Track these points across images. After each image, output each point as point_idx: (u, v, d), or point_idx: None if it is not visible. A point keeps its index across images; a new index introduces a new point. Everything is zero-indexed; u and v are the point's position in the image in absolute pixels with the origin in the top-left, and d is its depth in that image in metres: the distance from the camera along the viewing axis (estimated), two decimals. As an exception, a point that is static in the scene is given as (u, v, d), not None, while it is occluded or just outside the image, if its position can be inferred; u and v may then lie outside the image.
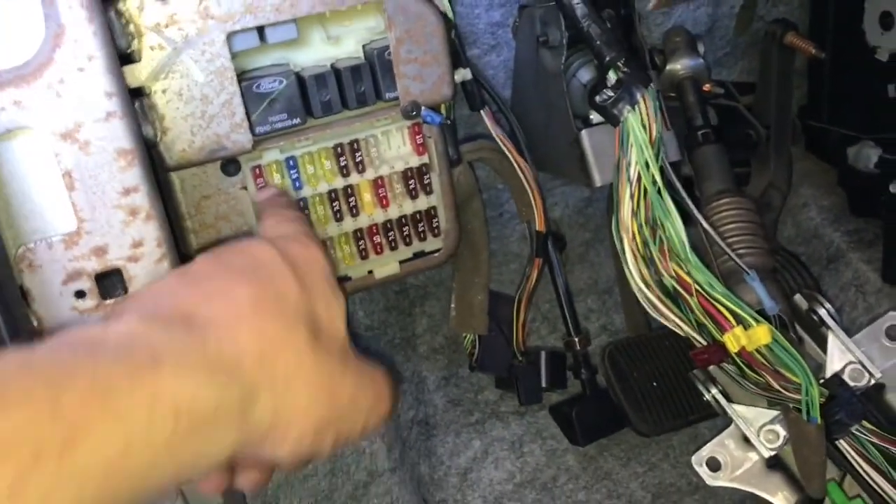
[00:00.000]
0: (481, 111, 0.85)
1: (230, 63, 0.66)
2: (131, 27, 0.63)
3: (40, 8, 0.52)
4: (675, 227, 0.73)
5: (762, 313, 0.76)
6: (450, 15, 0.77)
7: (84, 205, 0.55)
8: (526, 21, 0.97)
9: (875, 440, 0.76)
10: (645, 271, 0.74)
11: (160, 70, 0.64)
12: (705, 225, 0.79)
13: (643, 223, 0.74)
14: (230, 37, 0.66)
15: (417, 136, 0.77)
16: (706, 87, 1.04)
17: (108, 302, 0.58)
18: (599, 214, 1.21)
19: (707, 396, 0.86)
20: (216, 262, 0.56)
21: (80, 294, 0.57)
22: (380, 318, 1.08)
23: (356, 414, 0.57)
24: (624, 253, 0.74)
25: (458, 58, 0.81)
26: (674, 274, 0.73)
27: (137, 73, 0.63)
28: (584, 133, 0.92)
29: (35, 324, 0.55)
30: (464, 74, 0.81)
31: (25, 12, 0.52)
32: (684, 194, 0.75)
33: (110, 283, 0.58)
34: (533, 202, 0.88)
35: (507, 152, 0.86)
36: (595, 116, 0.92)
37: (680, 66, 0.98)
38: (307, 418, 0.52)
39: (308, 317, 0.54)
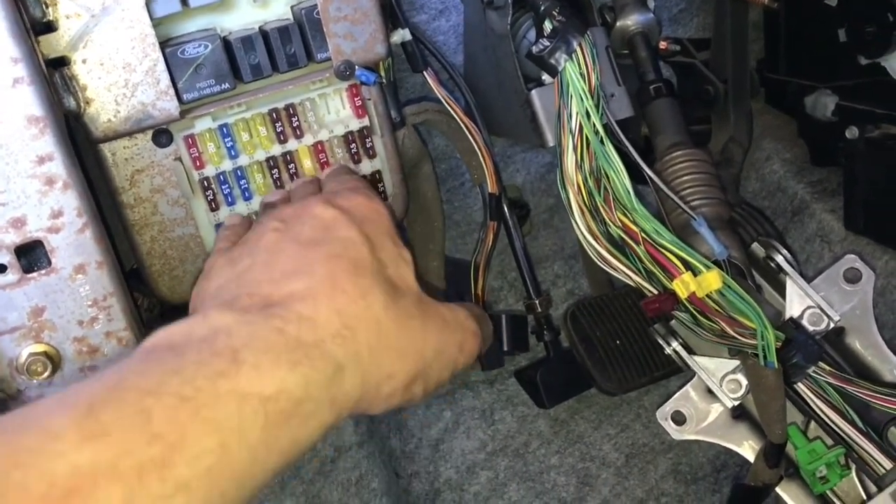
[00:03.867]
0: (424, 72, 0.83)
1: (151, 29, 0.65)
2: (46, -5, 0.61)
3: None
4: (619, 175, 0.72)
5: (715, 263, 0.76)
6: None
7: (-3, 176, 0.54)
8: (472, -16, 0.96)
9: (833, 381, 0.75)
10: (592, 223, 0.73)
11: (78, 39, 0.62)
12: (651, 175, 0.78)
13: (588, 174, 0.72)
14: (150, 2, 0.64)
15: (356, 99, 0.76)
16: (662, 45, 1.03)
17: (32, 275, 0.56)
18: (562, 180, 1.20)
19: (668, 350, 0.85)
20: (284, 234, 0.56)
21: (1, 268, 0.55)
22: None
23: (444, 360, 0.57)
24: (570, 205, 0.73)
25: (395, 18, 0.79)
26: (620, 223, 0.72)
27: (55, 43, 0.62)
28: (534, 93, 0.91)
29: (-46, 300, 0.54)
30: (402, 35, 0.79)
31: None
32: (627, 143, 0.74)
33: (33, 256, 0.56)
34: (483, 163, 0.87)
35: (453, 113, 0.84)
36: (546, 77, 0.91)
37: (630, 21, 0.96)
38: (395, 380, 0.53)
39: (381, 277, 0.55)
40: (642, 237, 0.71)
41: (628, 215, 0.72)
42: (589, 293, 1.19)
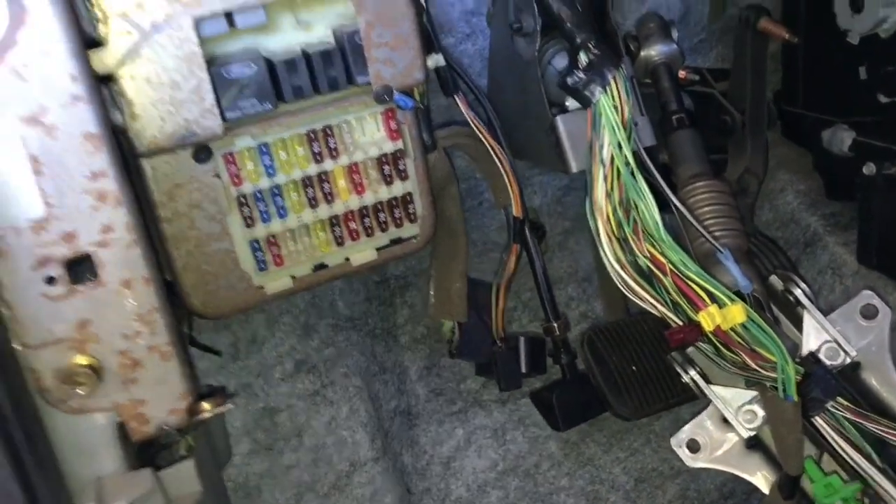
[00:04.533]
0: (455, 96, 0.85)
1: (199, 48, 0.66)
2: (97, 12, 0.62)
3: (1, -10, 0.52)
4: (649, 207, 0.73)
5: (737, 294, 0.77)
6: (423, 4, 0.77)
7: (52, 190, 0.55)
8: (500, 8, 0.97)
9: (851, 416, 0.76)
10: (619, 252, 0.74)
11: (128, 56, 0.64)
12: (679, 205, 0.79)
13: (617, 205, 0.74)
14: (198, 22, 0.65)
15: (391, 122, 0.77)
16: (682, 74, 1.05)
17: (80, 288, 0.57)
18: (578, 203, 1.21)
19: (686, 378, 0.86)
20: None
21: (50, 280, 0.56)
22: (361, 308, 1.08)
23: None
24: (598, 234, 0.74)
25: (430, 43, 0.80)
26: (648, 254, 0.73)
27: (105, 59, 0.63)
28: (559, 119, 0.92)
29: (5, 312, 0.55)
30: (437, 60, 0.81)
31: (-13, -6, 0.52)
32: (657, 174, 0.75)
33: (81, 268, 0.57)
34: (509, 187, 0.88)
35: (482, 137, 0.86)
36: (571, 103, 0.93)
37: (654, 52, 0.98)
38: None
39: None
40: (669, 268, 0.73)
41: (656, 246, 0.73)
42: (602, 316, 1.21)
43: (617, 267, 0.74)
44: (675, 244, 0.74)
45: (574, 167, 0.93)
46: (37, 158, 0.54)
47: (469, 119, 0.85)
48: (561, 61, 0.95)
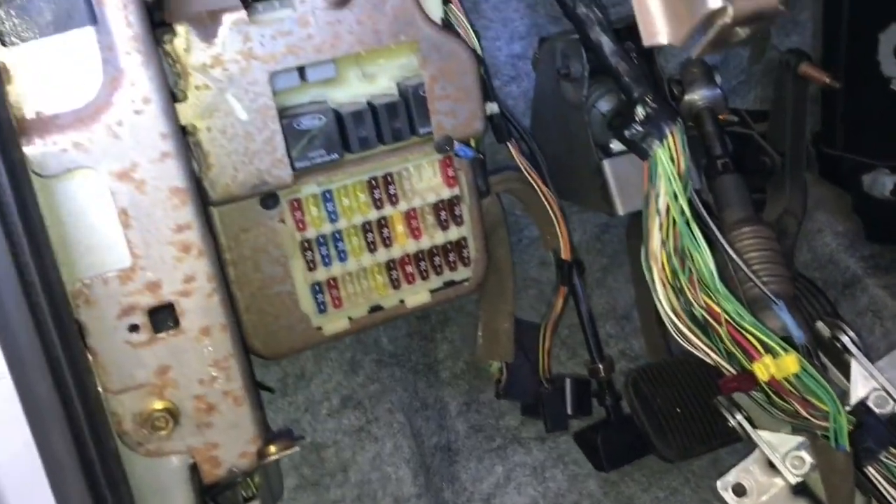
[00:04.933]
0: (507, 143, 0.87)
1: (272, 101, 0.68)
2: (178, 67, 0.65)
3: (99, 52, 0.54)
4: (704, 257, 0.74)
5: (788, 341, 0.78)
6: (478, 51, 0.80)
7: (139, 241, 0.57)
8: (546, 53, 1.00)
9: (902, 466, 0.77)
10: (675, 301, 0.75)
11: (206, 109, 0.66)
12: (734, 255, 0.81)
13: (672, 253, 0.75)
14: (272, 76, 0.68)
15: (448, 169, 0.79)
16: (721, 115, 1.06)
17: (161, 335, 0.59)
18: (617, 240, 1.22)
19: (732, 422, 0.87)
20: None
21: (133, 328, 0.58)
22: (403, 343, 1.09)
23: None
24: (654, 283, 0.76)
25: (486, 91, 0.83)
26: (703, 304, 0.74)
27: (184, 112, 0.65)
28: (606, 163, 0.94)
29: (90, 358, 0.57)
30: (491, 108, 0.83)
31: (84, 56, 0.54)
32: (713, 225, 0.76)
33: (162, 316, 0.59)
34: (559, 231, 0.90)
35: (533, 183, 0.87)
36: (616, 145, 0.94)
37: (698, 96, 1.00)
38: None
39: None
40: (724, 319, 0.74)
41: (712, 296, 0.74)
42: (641, 354, 1.21)
43: (672, 315, 0.75)
44: (729, 294, 0.75)
45: (621, 210, 0.95)
46: (126, 211, 0.56)
47: (521, 165, 0.87)
48: (605, 104, 0.97)
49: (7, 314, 0.50)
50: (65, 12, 0.53)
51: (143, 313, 0.58)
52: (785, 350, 0.74)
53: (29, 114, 0.54)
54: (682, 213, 0.75)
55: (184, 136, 0.59)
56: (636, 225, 1.02)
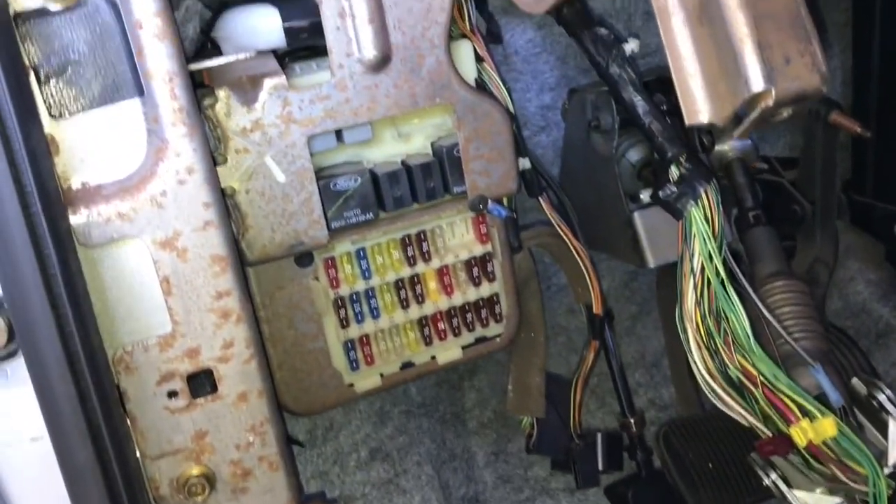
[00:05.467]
0: (539, 198, 0.87)
1: (310, 164, 0.69)
2: (218, 131, 0.66)
3: (144, 124, 0.55)
4: (740, 318, 0.74)
5: (824, 401, 0.77)
6: (511, 109, 0.80)
7: (179, 309, 0.57)
8: (576, 105, 1.00)
9: (943, 531, 0.75)
10: (709, 361, 0.75)
11: (245, 172, 0.67)
12: (765, 312, 0.80)
13: (707, 313, 0.75)
14: (310, 139, 0.69)
15: (481, 226, 0.80)
16: (752, 164, 1.06)
17: (199, 401, 0.59)
18: (646, 287, 1.22)
19: (767, 482, 0.85)
20: None
21: (172, 394, 0.59)
22: (431, 393, 1.09)
23: None
24: (688, 343, 0.75)
25: (518, 147, 0.83)
26: (739, 365, 0.74)
27: (223, 175, 0.66)
28: (636, 215, 0.94)
29: (129, 423, 0.57)
30: (524, 163, 0.83)
31: (130, 127, 0.55)
32: (748, 287, 0.76)
33: (201, 382, 0.60)
34: (590, 285, 0.90)
35: (565, 238, 0.87)
36: (645, 196, 0.94)
37: (728, 147, 1.00)
38: None
39: None
40: (761, 381, 0.73)
41: (747, 358, 0.73)
42: (670, 403, 1.20)
43: (707, 376, 0.74)
44: (765, 356, 0.74)
45: (652, 263, 0.95)
46: (168, 279, 0.57)
47: (552, 220, 0.87)
48: (635, 154, 0.98)
49: (51, 383, 0.50)
50: (112, 85, 0.54)
51: (182, 379, 0.59)
52: (822, 413, 0.73)
53: (75, 184, 0.55)
54: (717, 273, 0.74)
55: (225, 202, 0.60)
56: (667, 275, 1.01)
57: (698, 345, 0.75)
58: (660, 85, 0.95)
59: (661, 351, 1.20)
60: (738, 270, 0.76)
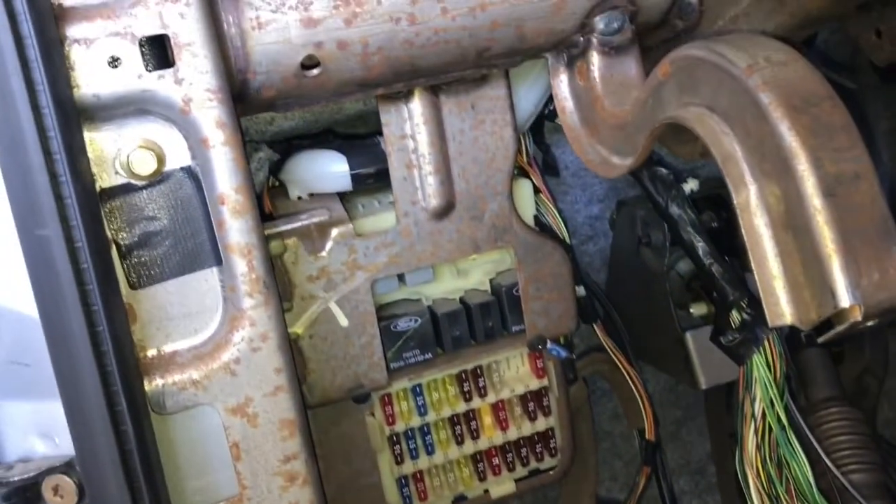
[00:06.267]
0: (594, 324, 0.87)
1: (373, 307, 0.69)
2: (285, 279, 0.66)
3: (220, 292, 0.56)
4: (802, 467, 0.73)
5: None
6: (568, 240, 0.80)
7: (247, 473, 0.57)
8: (625, 217, 1.00)
9: None
10: (771, 510, 0.73)
11: (309, 318, 0.67)
12: (821, 452, 0.78)
13: (767, 458, 0.73)
14: (374, 283, 0.69)
15: (538, 361, 0.79)
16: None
17: (262, 563, 0.59)
18: (690, 393, 1.20)
19: None
20: None
21: (239, 556, 0.58)
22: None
23: None
24: (748, 489, 0.74)
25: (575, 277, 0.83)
26: (802, 516, 0.72)
27: (288, 322, 0.66)
28: (688, 335, 0.93)
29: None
30: (579, 291, 0.83)
31: (206, 295, 0.56)
32: (811, 436, 0.75)
33: (264, 544, 0.59)
34: (643, 411, 0.89)
35: (619, 364, 0.87)
36: (696, 309, 0.94)
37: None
38: None
39: None
40: (825, 534, 0.71)
41: (811, 509, 0.72)
42: (716, 514, 1.18)
43: (769, 526, 0.73)
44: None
45: (704, 384, 0.93)
46: (237, 445, 0.57)
47: (607, 346, 0.87)
48: (684, 266, 0.97)
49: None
50: (191, 254, 0.55)
51: (249, 543, 0.58)
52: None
53: (151, 352, 0.55)
54: (779, 420, 0.73)
55: (295, 366, 0.60)
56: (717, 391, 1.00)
57: (759, 491, 0.74)
58: (709, 202, 0.95)
59: (706, 457, 1.17)
60: (799, 417, 0.75)
